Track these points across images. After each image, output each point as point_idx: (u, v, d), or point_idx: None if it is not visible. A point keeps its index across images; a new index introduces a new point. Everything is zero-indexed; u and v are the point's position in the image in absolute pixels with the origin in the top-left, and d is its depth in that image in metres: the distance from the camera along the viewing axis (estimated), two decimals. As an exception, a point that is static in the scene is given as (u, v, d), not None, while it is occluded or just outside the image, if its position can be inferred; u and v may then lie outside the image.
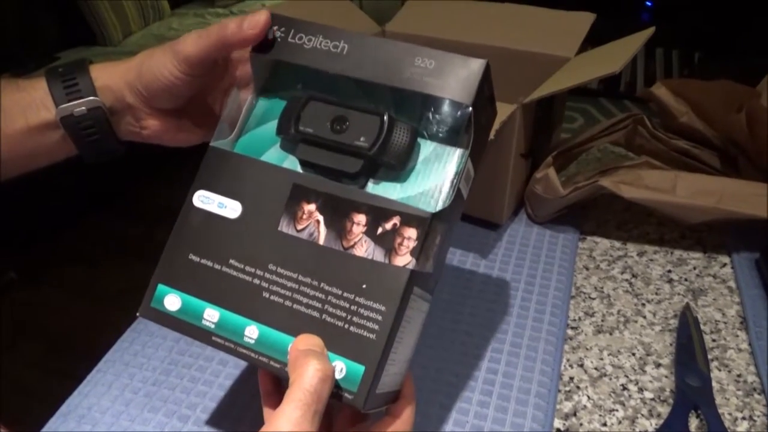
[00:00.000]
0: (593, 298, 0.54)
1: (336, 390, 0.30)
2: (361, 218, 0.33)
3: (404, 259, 0.31)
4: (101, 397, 0.47)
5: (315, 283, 0.32)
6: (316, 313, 0.32)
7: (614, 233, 0.62)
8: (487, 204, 0.60)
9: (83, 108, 0.38)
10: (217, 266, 0.34)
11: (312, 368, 0.28)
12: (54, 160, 0.41)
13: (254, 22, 0.36)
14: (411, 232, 0.32)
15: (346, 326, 0.31)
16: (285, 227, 0.34)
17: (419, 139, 0.35)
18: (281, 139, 0.37)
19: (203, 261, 0.35)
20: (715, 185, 0.55)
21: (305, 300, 0.32)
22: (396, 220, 0.32)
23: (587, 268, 0.58)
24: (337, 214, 0.33)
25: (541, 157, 0.60)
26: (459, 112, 0.34)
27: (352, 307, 0.31)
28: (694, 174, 0.57)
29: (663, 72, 2.29)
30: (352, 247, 0.32)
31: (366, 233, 0.32)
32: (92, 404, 0.47)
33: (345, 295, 0.32)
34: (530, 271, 0.56)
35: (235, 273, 0.34)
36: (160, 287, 0.35)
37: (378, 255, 0.32)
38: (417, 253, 0.31)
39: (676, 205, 0.54)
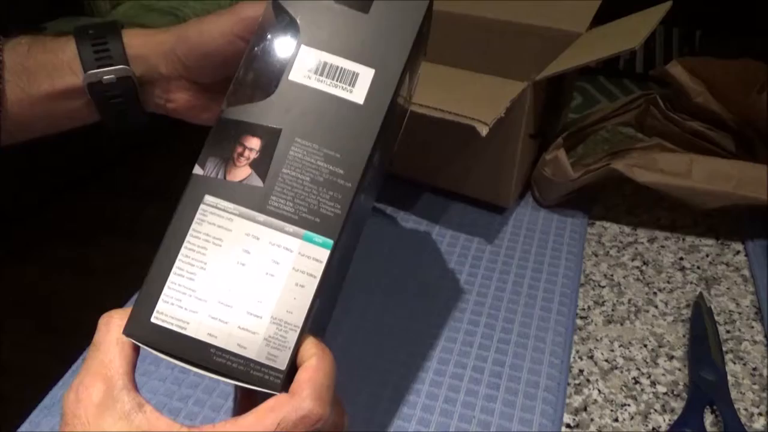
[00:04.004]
0: (603, 287, 0.52)
1: None
2: None
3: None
4: (87, 388, 0.45)
5: None
6: None
7: (624, 218, 0.59)
8: (493, 186, 0.57)
9: (112, 76, 0.37)
10: None
11: None
12: (74, 125, 0.40)
13: None
14: None
15: None
16: None
17: None
18: None
19: None
20: (733, 169, 0.52)
21: None
22: None
23: (596, 255, 0.55)
24: None
25: (550, 138, 0.57)
26: None
27: None
28: (710, 157, 0.54)
29: (663, 50, 2.25)
30: None
31: None
32: (77, 395, 0.44)
33: None
34: (537, 257, 0.54)
35: None
36: None
37: None
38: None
39: (691, 189, 0.52)
